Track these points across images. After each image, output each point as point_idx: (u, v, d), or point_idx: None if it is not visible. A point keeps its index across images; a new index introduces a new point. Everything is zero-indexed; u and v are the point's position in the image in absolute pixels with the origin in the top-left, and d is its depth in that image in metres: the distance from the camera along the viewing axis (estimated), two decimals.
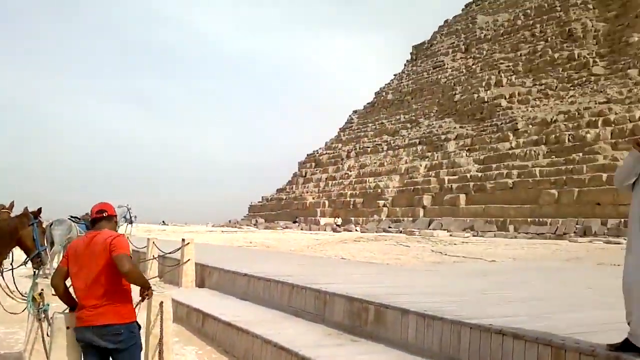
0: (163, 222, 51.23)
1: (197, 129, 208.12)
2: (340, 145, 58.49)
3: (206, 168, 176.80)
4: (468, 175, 37.87)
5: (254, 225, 50.92)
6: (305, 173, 58.69)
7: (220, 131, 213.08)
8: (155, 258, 12.50)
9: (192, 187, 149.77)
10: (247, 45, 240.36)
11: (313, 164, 59.53)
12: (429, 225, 36.27)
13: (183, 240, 11.53)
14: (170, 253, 11.56)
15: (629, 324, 3.86)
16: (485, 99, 44.20)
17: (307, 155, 63.10)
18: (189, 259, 11.16)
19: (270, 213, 55.25)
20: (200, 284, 11.38)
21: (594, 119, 33.36)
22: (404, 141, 48.91)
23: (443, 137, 44.35)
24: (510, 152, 36.62)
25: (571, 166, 31.44)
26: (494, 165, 36.76)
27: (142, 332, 4.09)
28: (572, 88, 39.16)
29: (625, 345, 3.81)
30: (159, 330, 4.62)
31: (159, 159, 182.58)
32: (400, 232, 34.96)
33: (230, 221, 58.29)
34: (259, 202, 62.38)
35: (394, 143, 50.15)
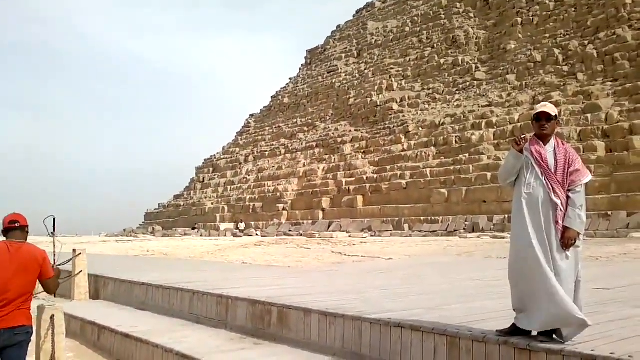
0: (51, 233, 48.21)
1: (86, 134, 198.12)
2: (238, 149, 58.04)
3: (97, 176, 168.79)
4: (364, 177, 38.91)
5: (151, 233, 49.29)
6: (203, 178, 57.69)
7: (112, 136, 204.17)
8: None
9: (84, 195, 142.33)
10: (137, 48, 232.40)
11: (211, 169, 58.63)
12: (329, 227, 36.87)
13: (74, 251, 10.96)
14: (60, 265, 10.93)
15: (514, 310, 4.19)
16: (378, 103, 45.62)
17: (205, 160, 62.05)
18: (81, 270, 10.62)
19: (168, 220, 53.76)
20: (95, 295, 10.88)
21: (477, 121, 35.41)
22: (302, 144, 49.42)
23: (339, 140, 45.28)
24: (402, 153, 38.04)
25: (459, 166, 33.19)
26: (388, 167, 38.03)
27: (32, 346, 3.97)
28: (457, 92, 41.36)
29: (514, 331, 4.15)
30: (50, 345, 4.39)
31: (47, 165, 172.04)
32: (301, 235, 35.26)
33: (125, 230, 56.04)
34: (155, 209, 60.47)
35: (291, 146, 50.51)
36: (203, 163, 61.82)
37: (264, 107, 63.39)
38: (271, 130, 56.73)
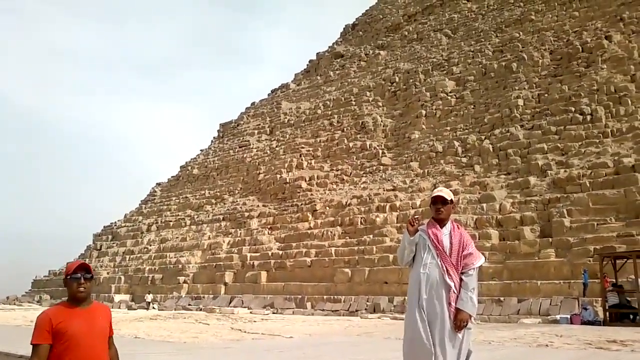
0: None
1: None
2: (141, 218, 56.18)
3: None
4: (269, 252, 38.67)
5: (37, 302, 45.81)
6: (101, 246, 55.00)
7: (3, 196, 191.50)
8: None
9: None
10: (43, 105, 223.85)
11: (110, 236, 56.14)
12: (230, 302, 35.93)
13: None
14: None
15: None
16: (287, 180, 46.18)
17: (104, 227, 59.42)
18: None
19: (58, 289, 50.32)
20: None
21: (382, 204, 36.59)
22: (208, 216, 48.67)
23: (246, 214, 45.06)
24: (308, 231, 38.35)
25: (363, 247, 33.83)
26: (293, 244, 38.09)
27: None
28: (364, 175, 42.79)
29: None
30: None
31: None
32: (201, 309, 34.06)
33: (8, 298, 51.78)
34: (45, 276, 56.53)
35: (197, 218, 49.60)
36: (102, 230, 59.12)
37: (172, 177, 62.38)
38: (177, 201, 55.64)
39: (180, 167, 63.32)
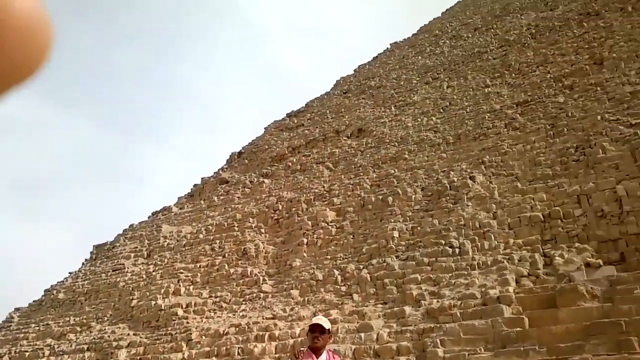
0: None
1: None
2: None
3: None
4: None
5: None
6: None
7: None
8: None
9: None
10: None
11: None
12: None
13: None
14: None
15: None
16: (163, 307, 43.85)
17: None
18: None
19: None
20: None
21: (261, 333, 35.50)
22: (71, 346, 44.33)
23: (114, 344, 41.63)
24: None
25: None
26: None
27: None
28: (244, 302, 41.68)
29: None
30: None
31: None
32: None
33: None
34: None
35: (58, 348, 44.99)
36: None
37: (34, 301, 57.10)
38: (37, 328, 50.55)
39: (45, 291, 58.37)
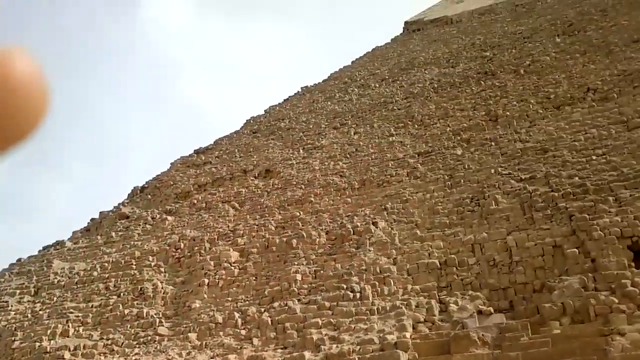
0: None
1: None
2: None
3: None
4: None
5: None
6: None
7: None
8: None
9: None
10: None
11: None
12: None
13: None
14: None
15: None
16: (48, 349, 40.89)
17: None
18: None
19: None
20: None
21: None
22: None
23: None
24: None
25: None
26: None
27: None
28: (137, 346, 39.72)
29: None
30: None
31: None
32: None
33: None
34: None
35: None
36: None
37: None
38: None
39: None
